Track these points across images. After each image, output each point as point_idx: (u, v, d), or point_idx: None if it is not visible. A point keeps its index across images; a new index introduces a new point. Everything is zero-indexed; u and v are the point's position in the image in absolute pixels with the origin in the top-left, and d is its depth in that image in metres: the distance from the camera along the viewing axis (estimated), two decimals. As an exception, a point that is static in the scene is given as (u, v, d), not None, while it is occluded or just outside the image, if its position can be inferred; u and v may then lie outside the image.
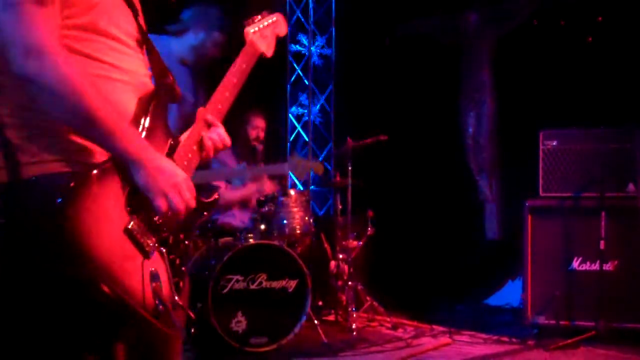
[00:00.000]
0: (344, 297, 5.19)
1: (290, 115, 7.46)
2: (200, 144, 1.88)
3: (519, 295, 5.04)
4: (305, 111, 7.41)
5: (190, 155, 1.85)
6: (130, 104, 1.74)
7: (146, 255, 1.61)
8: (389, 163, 5.39)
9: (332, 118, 7.44)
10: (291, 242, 4.84)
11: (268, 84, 6.96)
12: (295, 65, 7.40)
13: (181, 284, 1.72)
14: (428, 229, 6.49)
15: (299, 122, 7.46)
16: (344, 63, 7.33)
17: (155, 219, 1.66)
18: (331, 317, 5.29)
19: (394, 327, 4.99)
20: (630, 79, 5.62)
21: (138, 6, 1.88)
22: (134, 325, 1.57)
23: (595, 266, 4.53)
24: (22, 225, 1.50)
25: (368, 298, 5.24)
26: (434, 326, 5.01)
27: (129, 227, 1.58)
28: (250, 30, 2.16)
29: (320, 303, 5.36)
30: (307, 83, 7.35)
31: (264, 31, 2.19)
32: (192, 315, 1.75)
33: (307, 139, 7.33)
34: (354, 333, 4.73)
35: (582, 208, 4.61)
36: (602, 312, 4.40)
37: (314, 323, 4.59)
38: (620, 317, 4.42)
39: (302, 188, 7.15)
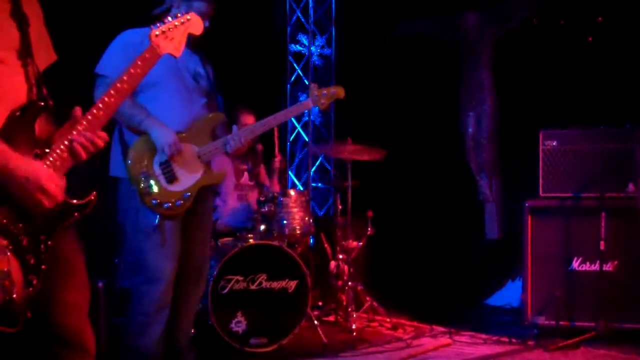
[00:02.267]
0: (344, 298, 5.18)
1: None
2: (70, 150, 1.98)
3: (519, 295, 5.03)
4: (306, 111, 7.40)
5: (64, 157, 1.98)
6: (4, 113, 1.88)
7: None
8: (389, 163, 5.38)
9: (332, 118, 7.43)
10: (291, 242, 4.84)
11: (268, 84, 6.96)
12: (295, 65, 7.40)
13: (35, 281, 1.87)
14: (428, 229, 6.48)
15: (299, 122, 7.45)
16: (344, 63, 7.33)
17: (6, 223, 1.84)
18: (331, 318, 5.29)
19: (394, 328, 4.99)
20: (630, 79, 5.62)
21: (30, 14, 1.99)
22: None
23: (595, 266, 4.53)
24: None
25: (368, 298, 5.24)
26: (434, 326, 5.01)
27: None
28: (155, 32, 2.18)
29: (320, 303, 5.36)
30: (307, 83, 7.35)
31: (170, 33, 2.20)
32: (28, 314, 1.85)
33: (307, 139, 7.33)
34: (354, 333, 4.72)
35: (582, 208, 4.61)
36: (602, 312, 4.40)
37: (314, 323, 4.59)
38: (620, 317, 4.42)
39: (302, 188, 7.15)
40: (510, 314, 5.51)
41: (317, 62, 7.44)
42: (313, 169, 7.30)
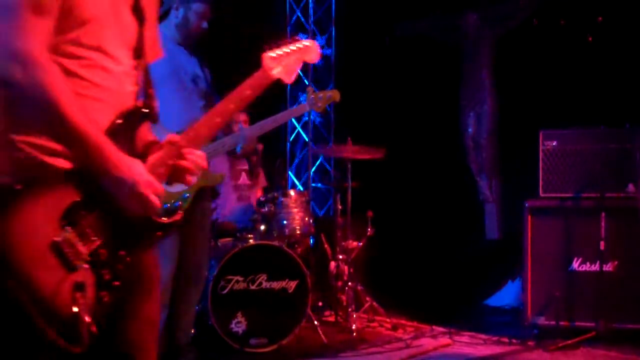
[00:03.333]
0: (344, 298, 5.18)
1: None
2: (173, 174, 1.90)
3: (519, 295, 5.03)
4: (305, 111, 7.40)
5: (161, 171, 1.88)
6: (105, 122, 1.78)
7: (71, 267, 1.65)
8: (389, 163, 5.39)
9: (332, 118, 7.43)
10: (291, 242, 4.84)
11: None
12: (295, 65, 7.39)
13: (106, 298, 1.73)
14: (428, 229, 6.48)
15: (298, 122, 7.45)
16: (344, 63, 7.33)
17: (89, 232, 1.70)
18: (331, 318, 5.29)
19: (394, 328, 4.99)
20: (630, 79, 5.62)
21: (148, 9, 1.89)
22: (32, 334, 1.60)
23: (595, 266, 4.53)
24: None
25: (368, 299, 5.24)
26: (434, 327, 5.01)
27: (57, 240, 1.63)
28: (269, 55, 2.12)
29: (320, 303, 5.36)
30: (306, 83, 7.34)
31: (285, 58, 2.15)
32: (94, 330, 1.69)
33: (307, 139, 7.32)
34: (354, 334, 4.72)
35: (582, 208, 4.61)
36: (602, 313, 4.40)
37: (314, 324, 4.59)
38: (620, 317, 4.42)
39: (302, 188, 7.15)
40: (510, 314, 5.50)
41: (317, 62, 7.43)
42: (313, 169, 7.30)
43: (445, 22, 6.90)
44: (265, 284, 4.31)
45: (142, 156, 1.85)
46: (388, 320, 5.09)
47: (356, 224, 5.31)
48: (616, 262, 4.52)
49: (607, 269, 4.50)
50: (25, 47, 1.59)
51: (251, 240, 4.49)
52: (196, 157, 1.91)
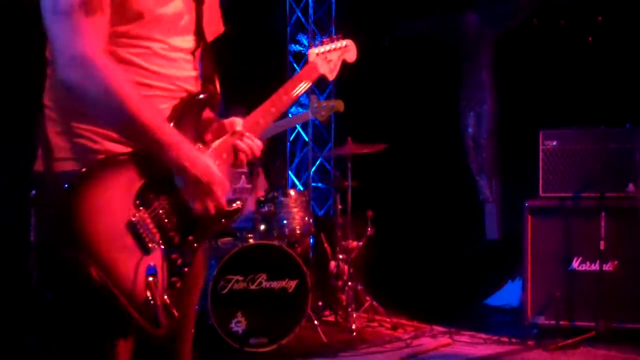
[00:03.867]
0: (343, 297, 5.18)
1: (290, 115, 7.45)
2: (235, 153, 1.90)
3: (519, 295, 5.03)
4: (306, 111, 7.40)
5: (218, 163, 1.85)
6: (166, 111, 1.76)
7: (147, 249, 1.63)
8: (389, 163, 5.38)
9: (332, 118, 7.43)
10: (291, 242, 4.84)
11: (268, 84, 6.95)
12: (295, 65, 7.40)
13: (178, 284, 1.71)
14: (428, 229, 6.48)
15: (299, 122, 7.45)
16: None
17: (162, 214, 1.69)
18: (331, 318, 5.29)
19: (394, 328, 4.99)
20: (630, 79, 5.62)
21: None
22: (117, 316, 1.58)
23: (595, 266, 4.53)
24: (40, 212, 1.63)
25: (368, 298, 5.24)
26: (434, 326, 5.01)
27: (133, 219, 1.61)
28: (315, 51, 2.22)
29: (320, 303, 5.36)
30: (307, 83, 7.34)
31: (329, 54, 2.25)
32: (175, 313, 1.69)
33: (307, 139, 7.32)
34: (354, 333, 4.72)
35: (582, 208, 4.61)
36: (602, 312, 4.40)
37: (314, 323, 4.59)
38: (620, 317, 4.42)
39: (302, 188, 7.15)
40: (510, 314, 5.50)
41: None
42: (313, 169, 7.30)
43: (445, 22, 6.90)
44: (265, 284, 4.31)
45: (203, 139, 1.84)
46: (388, 319, 5.09)
47: (356, 223, 5.31)
48: (616, 262, 4.53)
49: (607, 268, 4.50)
50: (81, 51, 1.58)
51: (251, 240, 4.49)
52: (254, 143, 1.93)
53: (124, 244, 1.60)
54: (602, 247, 4.45)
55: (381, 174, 6.35)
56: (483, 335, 4.67)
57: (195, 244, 1.77)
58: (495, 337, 4.62)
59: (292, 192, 4.83)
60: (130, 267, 1.60)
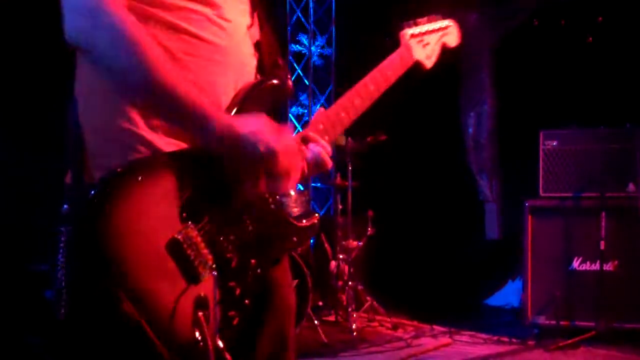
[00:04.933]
0: (344, 297, 5.18)
1: (290, 115, 7.46)
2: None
3: (519, 295, 5.04)
4: (306, 111, 7.41)
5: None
6: (229, 90, 1.42)
7: (196, 275, 1.27)
8: (389, 163, 5.38)
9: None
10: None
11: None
12: (295, 65, 7.40)
13: (236, 320, 1.34)
14: (428, 229, 6.48)
15: (299, 122, 7.45)
16: (344, 63, 7.33)
17: (213, 229, 1.31)
18: (331, 318, 5.29)
19: (394, 327, 4.99)
20: (630, 79, 5.62)
21: None
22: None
23: (595, 266, 4.53)
24: (72, 228, 1.28)
25: (368, 298, 5.24)
26: (434, 326, 5.01)
27: (178, 237, 1.25)
28: (409, 32, 1.85)
29: (320, 303, 5.36)
30: (307, 83, 7.35)
31: (426, 36, 1.87)
32: (228, 357, 1.30)
33: (307, 139, 7.32)
34: (354, 333, 4.72)
35: (582, 208, 4.61)
36: (602, 312, 4.40)
37: (314, 323, 4.59)
38: (620, 317, 4.42)
39: (302, 188, 7.15)
40: (510, 314, 5.51)
41: (317, 62, 7.45)
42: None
43: (445, 22, 6.89)
44: (265, 284, 4.30)
45: None
46: (388, 319, 5.09)
47: (356, 223, 5.31)
48: (616, 262, 4.53)
49: (607, 268, 4.50)
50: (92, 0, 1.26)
51: (251, 240, 4.48)
52: (324, 151, 1.53)
53: (166, 270, 1.24)
54: (602, 247, 4.46)
55: (381, 174, 6.35)
56: (483, 335, 4.67)
57: (259, 269, 1.39)
58: (495, 337, 4.62)
59: (292, 192, 4.82)
60: (173, 299, 1.23)
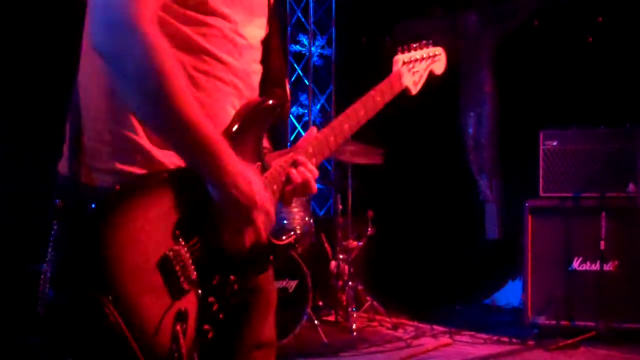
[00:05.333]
0: (344, 297, 5.18)
1: (290, 115, 7.46)
2: (285, 183, 1.58)
3: (519, 295, 5.04)
4: (306, 111, 7.41)
5: (275, 188, 1.55)
6: (230, 110, 1.46)
7: (180, 290, 1.33)
8: (389, 163, 5.38)
9: (333, 118, 7.43)
10: (291, 242, 4.83)
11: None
12: (295, 65, 7.40)
13: (210, 334, 1.40)
14: (428, 229, 6.48)
15: (299, 122, 7.45)
16: (344, 63, 7.33)
17: (204, 252, 1.38)
18: (331, 317, 5.29)
19: (394, 327, 4.99)
20: (630, 79, 5.62)
21: None
22: None
23: (595, 266, 4.53)
24: (63, 231, 1.35)
25: (368, 298, 5.24)
26: (435, 326, 5.01)
27: (169, 254, 1.31)
28: (402, 58, 1.90)
29: (320, 303, 5.35)
30: (307, 83, 7.35)
31: (416, 64, 1.93)
32: None
33: (307, 139, 7.32)
34: (354, 333, 4.73)
35: (582, 208, 4.61)
36: (602, 312, 4.40)
37: (314, 323, 4.59)
38: (620, 317, 4.42)
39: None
40: (510, 314, 5.51)
41: (317, 62, 7.45)
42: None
43: (445, 22, 6.90)
44: (265, 284, 4.30)
45: (263, 158, 1.52)
46: (388, 319, 5.09)
47: (356, 223, 5.31)
48: (616, 262, 4.53)
49: (607, 268, 4.50)
50: (126, 14, 1.26)
51: (251, 240, 4.48)
52: (310, 176, 1.60)
53: (153, 283, 1.30)
54: (602, 247, 4.46)
55: (381, 174, 6.34)
56: (483, 335, 4.67)
57: (236, 285, 1.45)
58: (495, 337, 4.62)
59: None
60: (156, 312, 1.30)
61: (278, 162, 1.58)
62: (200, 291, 1.37)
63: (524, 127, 5.51)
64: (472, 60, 6.80)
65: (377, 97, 1.80)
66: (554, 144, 4.77)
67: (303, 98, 7.45)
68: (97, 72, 1.36)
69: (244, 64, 1.47)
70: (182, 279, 1.33)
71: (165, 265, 1.31)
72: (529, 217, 4.69)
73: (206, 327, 1.40)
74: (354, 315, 4.88)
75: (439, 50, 1.98)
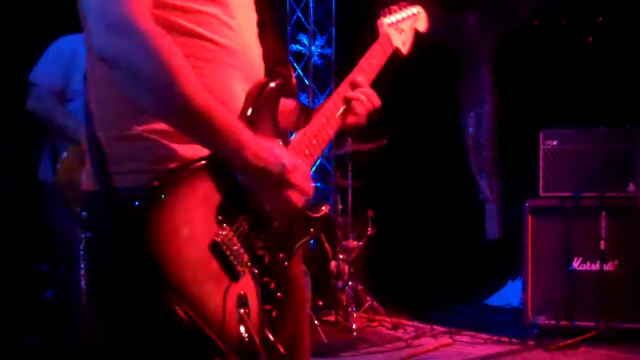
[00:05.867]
0: (344, 297, 5.18)
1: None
2: (347, 107, 1.68)
3: (519, 295, 5.04)
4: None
5: (307, 152, 1.64)
6: (240, 93, 1.48)
7: (235, 275, 1.35)
8: (389, 163, 5.39)
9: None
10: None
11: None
12: (295, 65, 7.40)
13: (274, 313, 1.43)
14: (428, 229, 6.49)
15: (299, 122, 7.45)
16: (344, 63, 7.32)
17: (250, 233, 1.40)
18: (331, 318, 5.29)
19: (394, 328, 4.99)
20: (630, 79, 5.63)
21: None
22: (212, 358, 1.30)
23: (595, 266, 4.53)
24: (102, 237, 1.36)
25: (368, 298, 5.24)
26: (435, 326, 5.00)
27: (217, 240, 1.32)
28: (386, 21, 1.91)
29: (320, 303, 5.36)
30: (307, 83, 7.35)
31: (401, 24, 1.94)
32: (282, 350, 1.40)
33: (307, 139, 7.32)
34: (354, 333, 4.72)
35: (582, 208, 4.61)
36: (602, 312, 4.40)
37: (314, 323, 4.58)
38: (620, 317, 4.42)
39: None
40: (510, 314, 5.50)
41: (317, 62, 7.45)
42: (313, 168, 7.30)
43: (445, 22, 6.90)
44: (265, 284, 4.30)
45: (282, 135, 1.59)
46: (388, 319, 5.09)
47: (356, 223, 5.31)
48: (616, 262, 4.52)
49: (607, 268, 4.50)
50: (122, 14, 1.26)
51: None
52: (368, 90, 1.70)
53: (210, 271, 1.31)
54: (602, 247, 4.45)
55: (381, 174, 6.35)
56: (483, 335, 4.67)
57: (285, 262, 1.49)
58: (495, 337, 4.62)
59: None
60: (219, 299, 1.31)
61: (319, 112, 1.65)
62: (256, 271, 1.38)
63: (524, 127, 5.51)
64: (472, 60, 6.81)
65: (373, 60, 1.86)
66: (554, 143, 4.77)
67: (303, 98, 7.45)
68: (106, 81, 1.36)
69: (244, 46, 1.49)
70: (235, 262, 1.34)
71: (217, 251, 1.32)
72: (529, 217, 4.69)
73: (268, 307, 1.42)
74: (354, 315, 4.88)
75: (418, 8, 2.02)
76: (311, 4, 7.32)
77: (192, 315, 1.25)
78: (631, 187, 4.58)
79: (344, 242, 5.31)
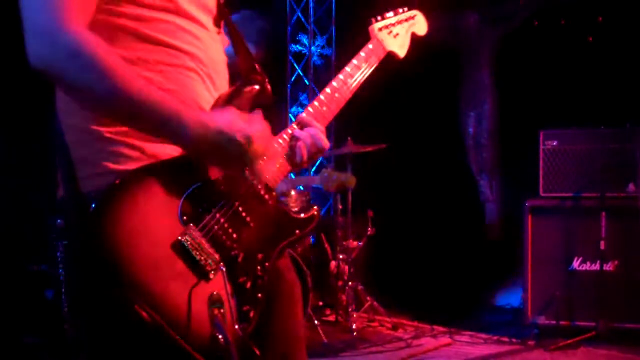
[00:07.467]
0: (344, 297, 5.18)
1: (290, 115, 7.46)
2: (290, 150, 1.61)
3: (519, 295, 5.04)
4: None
5: (278, 165, 1.58)
6: (207, 97, 1.46)
7: (204, 274, 1.33)
8: (390, 163, 5.39)
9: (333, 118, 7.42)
10: (291, 242, 4.82)
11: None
12: (295, 65, 7.40)
13: (252, 313, 1.41)
14: (428, 229, 6.48)
15: (299, 122, 7.45)
16: (344, 63, 7.31)
17: (218, 230, 1.38)
18: (331, 318, 5.29)
19: (395, 328, 4.99)
20: (630, 79, 5.62)
21: None
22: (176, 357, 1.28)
23: (595, 266, 4.53)
24: (71, 243, 1.38)
25: (368, 298, 5.23)
26: (435, 326, 5.01)
27: (181, 239, 1.31)
28: (377, 26, 1.93)
29: (320, 303, 5.36)
30: (307, 83, 7.35)
31: (394, 28, 1.95)
32: (256, 351, 1.39)
33: (307, 139, 7.32)
34: (354, 333, 4.72)
35: (582, 208, 4.61)
36: (602, 312, 4.40)
37: (314, 323, 4.59)
38: (620, 317, 4.42)
39: (302, 188, 7.14)
40: (510, 314, 5.50)
41: (317, 62, 7.45)
42: (313, 169, 7.30)
43: (446, 22, 6.90)
44: (265, 284, 4.30)
45: None
46: (388, 319, 5.09)
47: (356, 223, 5.31)
48: (616, 262, 4.53)
49: (607, 268, 4.50)
50: (47, 22, 1.23)
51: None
52: (315, 132, 1.65)
53: (175, 271, 1.29)
54: (602, 247, 4.46)
55: (381, 174, 6.35)
56: (483, 335, 4.68)
57: (267, 263, 1.47)
58: (495, 337, 4.62)
59: (292, 192, 4.82)
60: (185, 299, 1.29)
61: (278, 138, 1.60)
62: (224, 269, 1.36)
63: (524, 127, 5.51)
64: (472, 60, 6.81)
65: (362, 64, 1.88)
66: (554, 143, 4.77)
67: (303, 98, 7.45)
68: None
69: (209, 52, 1.48)
70: (203, 261, 1.33)
71: (182, 251, 1.31)
72: (529, 217, 4.69)
73: (246, 307, 1.40)
74: (354, 315, 4.88)
75: (415, 12, 2.00)
76: (311, 4, 7.32)
77: (154, 314, 1.23)
78: (631, 187, 4.58)
79: (344, 242, 5.31)
